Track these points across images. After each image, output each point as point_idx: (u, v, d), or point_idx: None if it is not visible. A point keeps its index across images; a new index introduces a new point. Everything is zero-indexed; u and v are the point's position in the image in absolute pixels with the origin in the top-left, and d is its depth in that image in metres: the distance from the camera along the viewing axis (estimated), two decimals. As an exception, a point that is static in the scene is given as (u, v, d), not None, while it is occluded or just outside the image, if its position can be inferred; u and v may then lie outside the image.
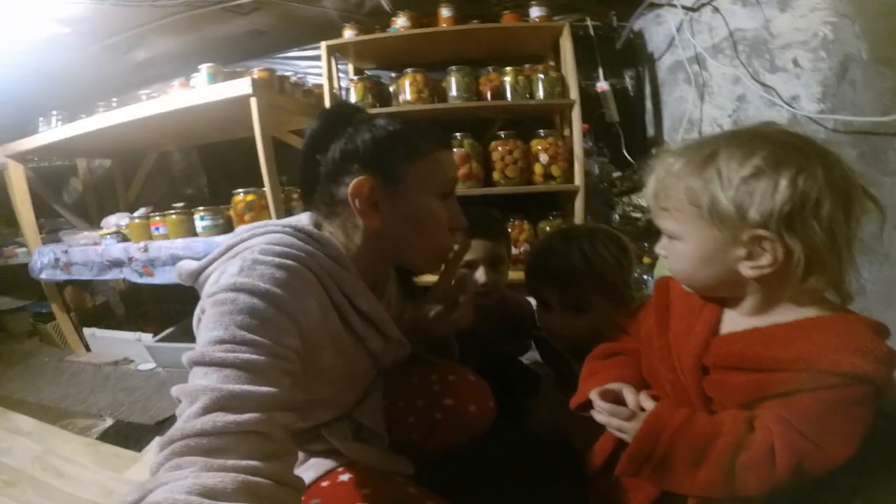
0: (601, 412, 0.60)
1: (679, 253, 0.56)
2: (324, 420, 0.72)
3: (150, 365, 1.78)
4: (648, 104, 1.90)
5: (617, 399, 0.62)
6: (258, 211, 1.49)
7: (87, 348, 1.97)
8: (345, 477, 0.67)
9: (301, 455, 0.73)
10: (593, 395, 0.62)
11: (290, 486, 0.44)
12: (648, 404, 0.59)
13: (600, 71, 1.89)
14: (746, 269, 0.51)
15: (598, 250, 0.85)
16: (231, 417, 0.42)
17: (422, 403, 0.75)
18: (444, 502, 0.65)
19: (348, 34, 1.75)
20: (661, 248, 0.60)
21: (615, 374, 0.67)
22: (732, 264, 0.52)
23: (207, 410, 0.43)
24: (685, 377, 0.59)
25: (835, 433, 0.48)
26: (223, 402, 0.43)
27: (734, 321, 0.57)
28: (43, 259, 1.78)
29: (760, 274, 0.50)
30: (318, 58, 1.80)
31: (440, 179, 0.68)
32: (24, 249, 2.03)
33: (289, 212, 1.56)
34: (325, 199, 0.67)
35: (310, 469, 0.70)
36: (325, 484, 0.67)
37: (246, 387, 0.45)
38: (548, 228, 1.68)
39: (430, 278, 0.89)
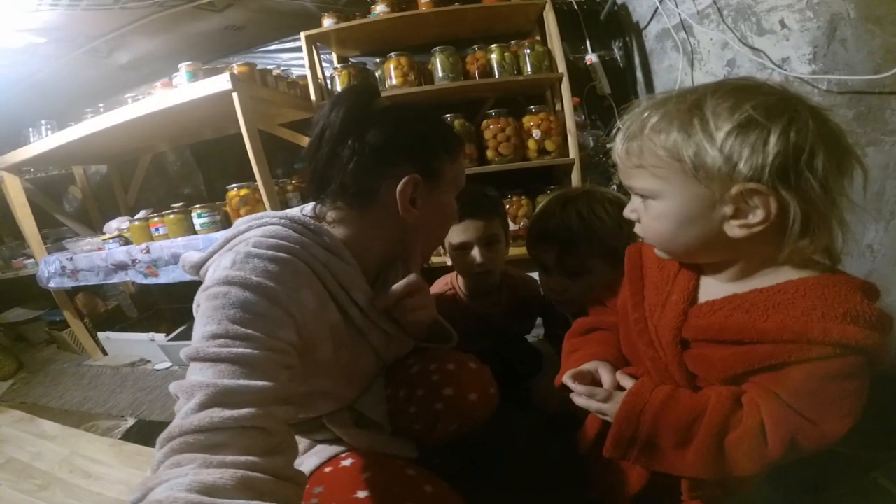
0: (578, 395, 0.58)
1: (656, 214, 0.51)
2: (324, 412, 0.72)
3: (166, 364, 1.82)
4: (639, 74, 1.86)
5: (594, 380, 0.59)
6: (253, 204, 1.50)
7: (104, 352, 2.02)
8: (347, 462, 0.68)
9: (306, 442, 0.74)
10: (566, 380, 0.59)
11: (291, 480, 0.44)
12: (627, 383, 0.56)
13: (588, 43, 1.85)
14: (734, 229, 0.47)
15: (596, 212, 0.83)
16: (228, 413, 0.42)
17: (422, 393, 0.74)
18: (442, 485, 0.65)
19: (328, 23, 1.71)
20: (630, 211, 0.55)
21: (594, 352, 0.63)
22: (717, 224, 0.47)
23: (204, 406, 0.42)
24: (664, 352, 0.55)
25: (829, 407, 0.45)
26: (219, 398, 0.43)
27: (712, 288, 0.54)
28: (49, 268, 1.80)
29: (749, 233, 0.46)
30: (300, 49, 1.77)
31: (462, 178, 0.73)
32: (32, 260, 2.05)
33: (283, 203, 1.57)
34: (351, 190, 0.64)
35: (313, 456, 0.71)
36: (328, 470, 0.68)
37: (241, 381, 0.45)
38: (546, 202, 1.67)
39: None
